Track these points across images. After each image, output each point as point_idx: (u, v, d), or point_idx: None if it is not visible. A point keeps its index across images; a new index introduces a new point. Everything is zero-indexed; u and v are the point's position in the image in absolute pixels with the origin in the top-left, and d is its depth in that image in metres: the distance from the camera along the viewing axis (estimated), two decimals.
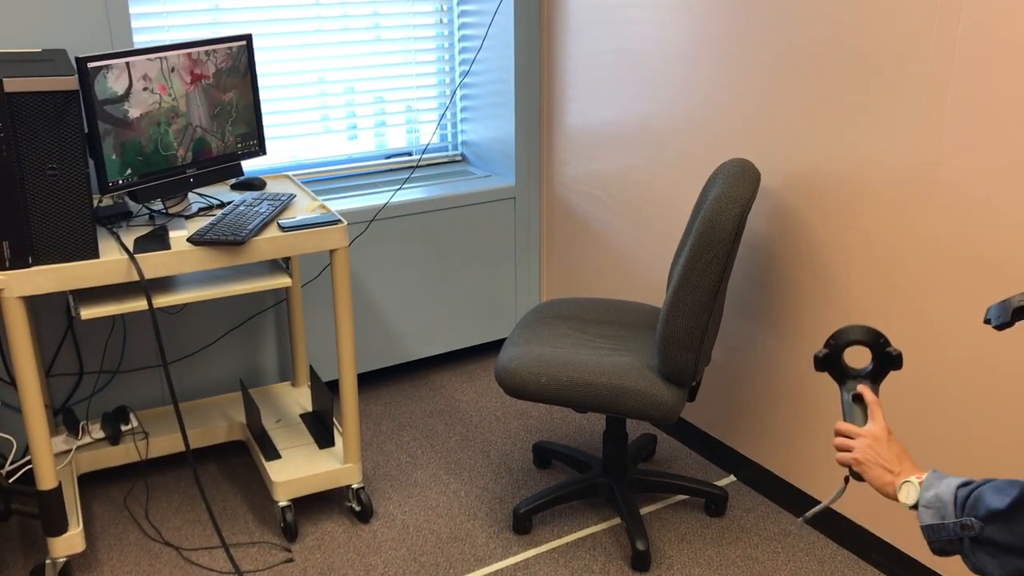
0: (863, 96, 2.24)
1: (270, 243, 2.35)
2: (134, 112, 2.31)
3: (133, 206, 2.57)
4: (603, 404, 2.34)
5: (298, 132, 3.31)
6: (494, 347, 3.76)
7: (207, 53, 2.45)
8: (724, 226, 2.16)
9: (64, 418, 2.76)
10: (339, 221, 2.43)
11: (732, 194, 2.18)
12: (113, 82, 2.25)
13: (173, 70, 2.37)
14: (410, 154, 3.60)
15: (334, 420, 2.77)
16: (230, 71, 2.51)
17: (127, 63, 2.27)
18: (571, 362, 2.39)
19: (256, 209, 2.46)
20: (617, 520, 2.70)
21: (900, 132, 2.17)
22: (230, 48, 2.51)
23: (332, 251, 2.44)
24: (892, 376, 2.31)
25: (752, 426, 2.79)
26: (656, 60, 2.85)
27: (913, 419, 2.28)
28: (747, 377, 2.76)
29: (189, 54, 2.40)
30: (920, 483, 1.36)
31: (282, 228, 2.38)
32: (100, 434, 2.74)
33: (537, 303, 3.71)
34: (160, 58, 2.34)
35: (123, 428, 2.77)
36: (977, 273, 2.07)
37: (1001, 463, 2.10)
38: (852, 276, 2.36)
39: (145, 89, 2.33)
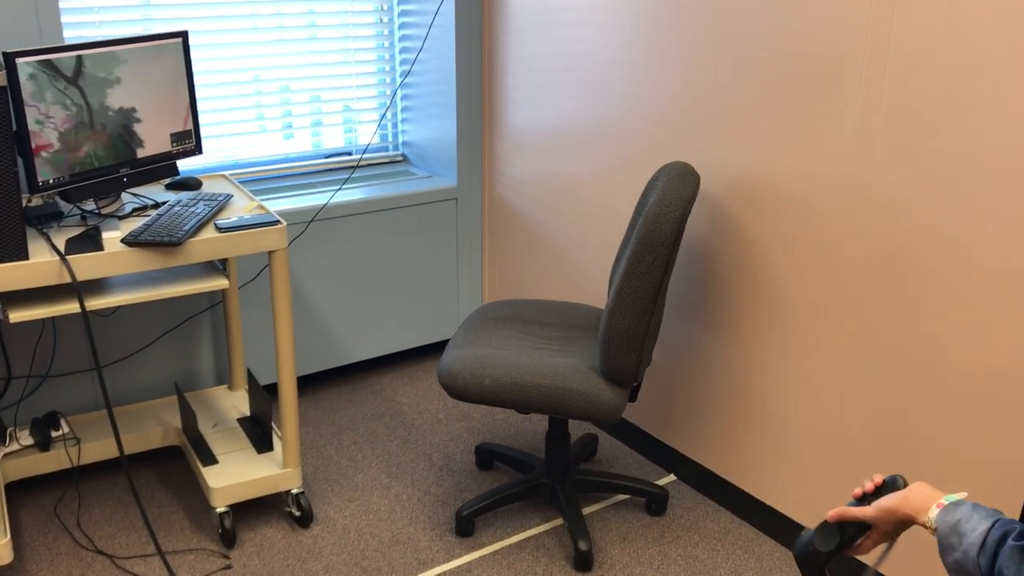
0: (800, 102, 2.28)
1: (207, 244, 2.30)
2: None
3: (64, 206, 2.50)
4: (546, 405, 2.35)
5: (234, 131, 3.26)
6: (435, 349, 3.75)
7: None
8: (665, 228, 2.18)
9: None
10: (278, 222, 2.39)
11: (673, 197, 2.20)
12: None
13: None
14: (350, 154, 3.57)
15: (272, 424, 2.73)
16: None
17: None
18: (514, 364, 2.39)
19: (192, 209, 2.41)
20: (560, 521, 2.71)
21: (835, 138, 2.21)
22: (163, 45, 2.46)
23: (271, 252, 2.40)
24: (826, 372, 2.35)
25: (691, 426, 2.82)
26: (598, 63, 2.86)
27: (849, 414, 2.33)
28: (687, 377, 2.79)
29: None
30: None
31: (219, 229, 2.34)
32: (29, 440, 2.66)
33: (479, 304, 3.71)
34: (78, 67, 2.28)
35: (53, 434, 2.69)
36: (907, 276, 2.12)
37: (939, 459, 2.16)
38: (788, 278, 2.41)
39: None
